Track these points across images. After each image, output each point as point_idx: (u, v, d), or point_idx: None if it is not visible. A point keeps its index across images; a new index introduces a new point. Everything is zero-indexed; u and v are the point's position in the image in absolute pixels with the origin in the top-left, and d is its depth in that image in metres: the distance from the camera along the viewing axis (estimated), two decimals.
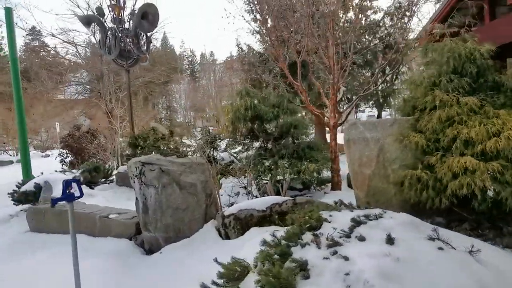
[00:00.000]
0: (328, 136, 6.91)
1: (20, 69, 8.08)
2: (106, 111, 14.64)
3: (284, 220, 3.67)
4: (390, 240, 2.35)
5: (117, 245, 4.00)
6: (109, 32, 7.59)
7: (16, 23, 7.95)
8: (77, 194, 2.77)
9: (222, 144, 7.79)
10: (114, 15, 7.58)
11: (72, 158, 10.90)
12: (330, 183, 6.07)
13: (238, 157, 6.96)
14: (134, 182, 3.97)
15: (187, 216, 3.81)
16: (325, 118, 6.01)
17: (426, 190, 3.39)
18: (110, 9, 7.58)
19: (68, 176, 6.78)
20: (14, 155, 20.25)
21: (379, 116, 15.22)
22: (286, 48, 6.06)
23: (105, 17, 7.83)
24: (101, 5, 7.94)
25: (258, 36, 15.13)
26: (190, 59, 59.91)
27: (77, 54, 17.22)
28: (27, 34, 49.88)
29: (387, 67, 7.53)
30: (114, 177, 7.78)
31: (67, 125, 22.94)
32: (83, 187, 6.41)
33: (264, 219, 3.70)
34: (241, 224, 3.69)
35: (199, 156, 5.08)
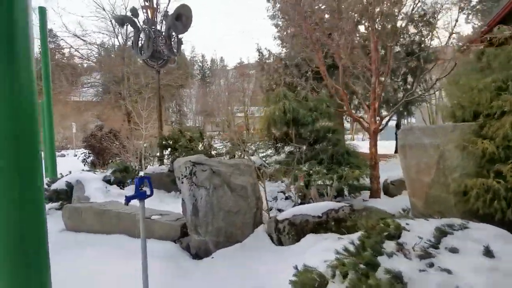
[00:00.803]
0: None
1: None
2: (126, 112, 14.70)
3: (341, 227, 3.51)
4: (488, 253, 2.17)
5: (163, 248, 3.87)
6: (142, 33, 7.60)
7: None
8: (147, 192, 2.65)
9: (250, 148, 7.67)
10: (148, 16, 7.59)
11: (94, 158, 10.90)
12: (368, 191, 5.89)
13: (266, 161, 6.82)
14: (182, 183, 3.86)
15: (238, 219, 3.67)
16: (365, 123, 5.86)
17: (498, 200, 3.20)
18: (144, 10, 7.60)
19: (99, 176, 6.72)
20: None
21: (398, 124, 14.95)
22: (324, 51, 5.95)
23: (138, 18, 7.85)
24: (132, 8, 7.93)
25: (278, 40, 15.12)
26: (201, 64, 60.48)
27: (98, 55, 17.43)
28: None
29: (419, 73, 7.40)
30: None
31: (82, 127, 23.24)
32: (114, 187, 6.34)
33: (320, 225, 3.53)
34: (296, 230, 3.53)
35: (244, 158, 4.96)
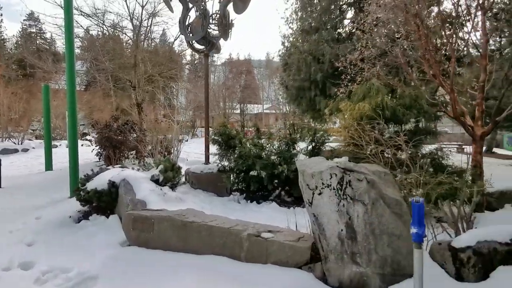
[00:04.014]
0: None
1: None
2: (136, 102, 13.40)
3: None
4: None
5: (290, 278, 2.95)
6: (192, 10, 6.52)
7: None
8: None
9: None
10: None
11: (108, 151, 9.63)
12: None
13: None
14: (320, 194, 2.95)
15: (403, 245, 2.80)
16: (468, 126, 5.13)
17: None
18: None
19: (145, 174, 5.64)
20: (19, 143, 18.48)
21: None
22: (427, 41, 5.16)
23: None
24: None
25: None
26: (191, 58, 58.64)
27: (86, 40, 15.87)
28: (24, 20, 47.59)
29: None
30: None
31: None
32: (166, 189, 5.33)
33: (508, 254, 2.75)
34: (483, 261, 2.71)
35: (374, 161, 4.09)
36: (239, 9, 6.34)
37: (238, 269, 3.21)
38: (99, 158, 10.02)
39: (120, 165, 6.79)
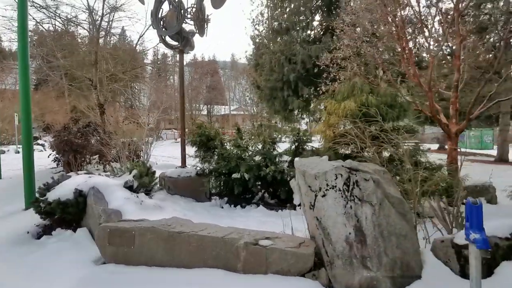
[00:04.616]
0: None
1: None
2: (99, 103, 12.39)
3: None
4: None
5: None
6: (165, 2, 6.07)
7: None
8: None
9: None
10: None
11: (67, 157, 8.71)
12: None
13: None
14: (324, 196, 2.77)
15: (410, 245, 2.71)
16: (444, 124, 5.32)
17: None
18: None
19: (117, 181, 5.11)
20: None
21: None
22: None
23: None
24: None
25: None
26: (153, 58, 56.40)
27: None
28: None
29: None
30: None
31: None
32: (142, 196, 4.89)
33: (510, 249, 2.78)
34: (487, 258, 2.71)
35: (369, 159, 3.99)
36: (217, 4, 6.02)
37: (236, 282, 2.92)
38: (57, 164, 9.06)
39: (85, 171, 6.11)
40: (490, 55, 9.02)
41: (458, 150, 5.26)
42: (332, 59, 6.20)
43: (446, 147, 5.48)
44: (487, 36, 10.13)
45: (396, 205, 2.82)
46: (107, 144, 8.92)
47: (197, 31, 6.39)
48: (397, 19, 4.94)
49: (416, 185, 3.40)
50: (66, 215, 4.47)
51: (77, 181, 4.87)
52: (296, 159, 3.23)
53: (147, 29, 12.65)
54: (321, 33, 12.67)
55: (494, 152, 17.80)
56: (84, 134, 9.33)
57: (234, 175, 5.32)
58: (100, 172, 6.64)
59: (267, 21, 14.08)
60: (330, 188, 2.73)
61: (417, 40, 5.78)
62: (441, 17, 5.48)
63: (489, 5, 9.38)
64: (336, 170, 2.72)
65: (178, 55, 7.58)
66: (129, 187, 5.00)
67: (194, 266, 3.14)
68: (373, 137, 4.92)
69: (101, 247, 3.48)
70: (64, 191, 4.65)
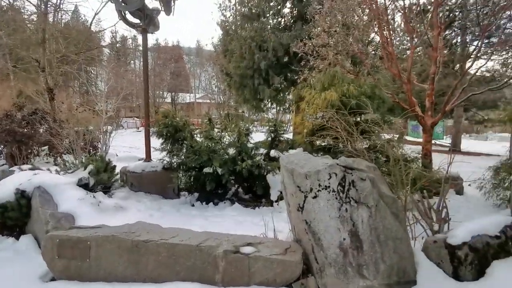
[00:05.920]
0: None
1: None
2: (48, 87, 11.04)
3: None
4: None
5: None
6: None
7: None
8: None
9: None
10: None
11: (13, 148, 7.62)
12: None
13: None
14: (315, 197, 2.47)
15: (405, 248, 2.52)
16: (420, 116, 5.30)
17: None
18: None
19: (68, 178, 4.41)
20: None
21: None
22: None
23: None
24: None
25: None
26: (111, 41, 52.36)
27: None
28: None
29: None
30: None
31: None
32: (100, 195, 4.31)
33: (500, 248, 2.71)
34: (479, 257, 2.61)
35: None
36: None
37: None
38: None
39: (30, 166, 5.27)
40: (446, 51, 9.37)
41: (433, 142, 5.27)
42: (309, 47, 5.92)
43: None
44: (445, 32, 10.55)
45: (390, 205, 2.60)
46: (58, 134, 7.93)
47: (162, 9, 5.71)
48: (379, 7, 4.74)
49: (408, 181, 3.22)
50: (6, 221, 3.76)
51: (20, 179, 4.12)
52: (282, 155, 2.88)
53: (104, 4, 11.36)
54: (292, 21, 12.36)
55: (444, 142, 19.03)
56: (30, 123, 8.22)
57: (206, 170, 4.87)
58: (50, 167, 5.80)
59: (235, 7, 13.44)
60: (322, 189, 2.43)
61: (393, 32, 5.65)
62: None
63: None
64: (330, 169, 2.42)
65: (140, 37, 6.83)
66: (84, 185, 4.35)
67: (164, 280, 2.71)
68: (356, 129, 4.75)
69: (49, 260, 2.89)
70: (3, 191, 3.90)
